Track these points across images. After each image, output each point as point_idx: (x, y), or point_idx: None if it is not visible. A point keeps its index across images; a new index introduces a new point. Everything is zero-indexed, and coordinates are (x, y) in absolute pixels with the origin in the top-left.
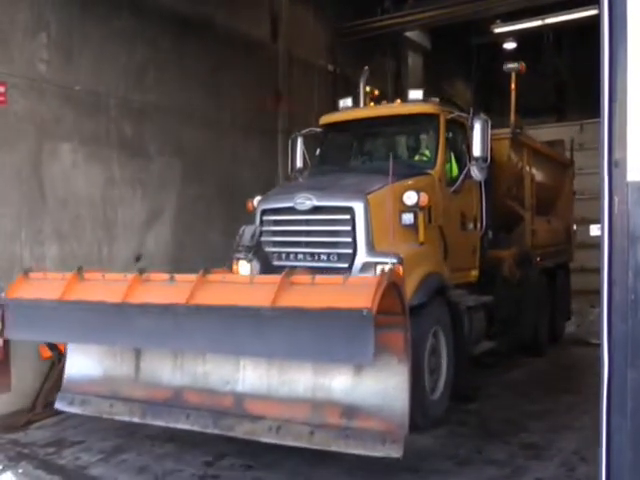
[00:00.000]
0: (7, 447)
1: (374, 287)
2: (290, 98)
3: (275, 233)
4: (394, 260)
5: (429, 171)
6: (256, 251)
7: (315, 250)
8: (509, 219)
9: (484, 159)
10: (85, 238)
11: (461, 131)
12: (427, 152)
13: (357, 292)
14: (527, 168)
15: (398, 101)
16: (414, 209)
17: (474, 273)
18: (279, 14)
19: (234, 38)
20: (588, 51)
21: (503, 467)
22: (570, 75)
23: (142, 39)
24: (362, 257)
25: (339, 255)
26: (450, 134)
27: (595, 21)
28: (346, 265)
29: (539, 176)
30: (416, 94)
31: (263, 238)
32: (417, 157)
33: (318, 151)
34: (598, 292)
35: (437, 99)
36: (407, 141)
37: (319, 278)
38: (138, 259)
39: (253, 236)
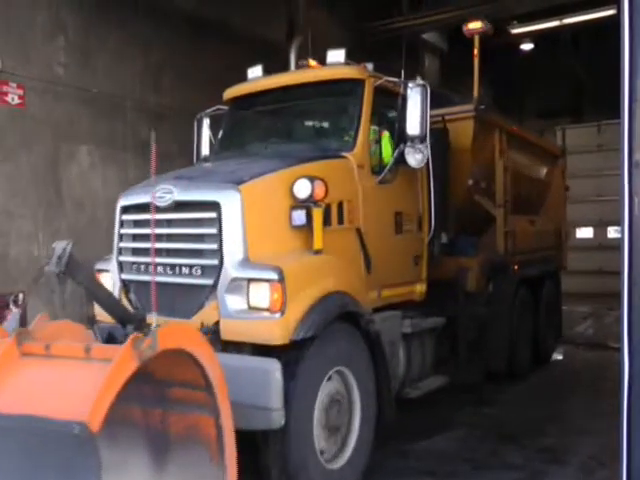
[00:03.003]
0: None
1: (105, 377)
2: None
3: (135, 238)
4: (273, 275)
5: (345, 154)
6: (69, 275)
7: (176, 260)
8: (478, 219)
9: (422, 138)
10: (102, 239)
11: (397, 104)
12: (351, 130)
13: (84, 384)
14: (499, 156)
15: (303, 62)
16: (307, 204)
17: (419, 288)
18: (295, 17)
19: (250, 40)
20: (606, 51)
21: (521, 471)
22: (587, 76)
23: (158, 42)
24: (230, 271)
25: (203, 268)
26: (381, 107)
27: (613, 21)
28: (211, 282)
29: (517, 166)
30: (336, 55)
31: (122, 244)
32: (335, 136)
33: (221, 133)
34: (617, 294)
35: (371, 64)
36: (325, 116)
37: (56, 347)
38: None
39: (61, 257)
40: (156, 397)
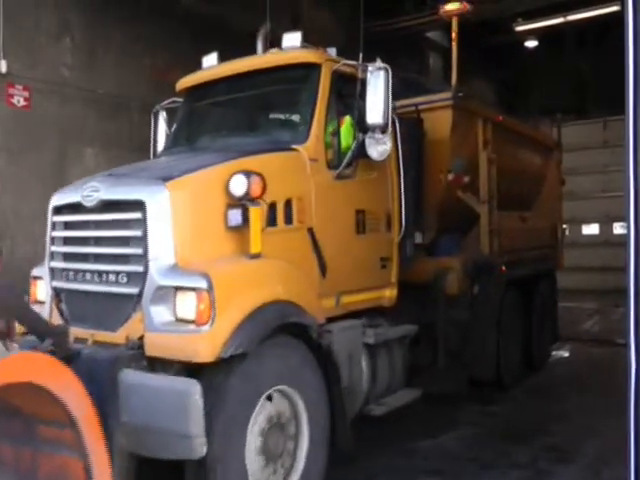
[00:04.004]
0: None
1: None
2: None
3: (65, 241)
4: (200, 283)
5: (296, 146)
6: None
7: (103, 267)
8: (461, 217)
9: (383, 128)
10: None
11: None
12: (304, 120)
13: None
14: (483, 147)
15: (275, 50)
16: (243, 202)
17: (389, 293)
18: (299, 16)
19: (253, 39)
20: (610, 47)
21: (527, 470)
22: (592, 72)
23: (163, 42)
24: (156, 279)
25: (129, 275)
26: (341, 95)
27: (617, 17)
28: (136, 290)
29: (505, 159)
30: (292, 39)
31: (54, 248)
32: (289, 127)
33: (174, 126)
34: (623, 291)
35: (334, 49)
36: (279, 106)
37: None
38: None
39: None
40: (26, 435)
